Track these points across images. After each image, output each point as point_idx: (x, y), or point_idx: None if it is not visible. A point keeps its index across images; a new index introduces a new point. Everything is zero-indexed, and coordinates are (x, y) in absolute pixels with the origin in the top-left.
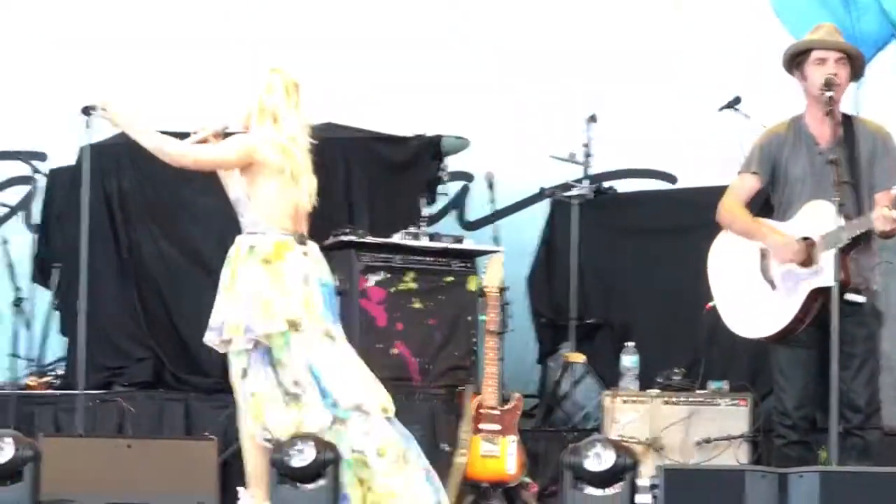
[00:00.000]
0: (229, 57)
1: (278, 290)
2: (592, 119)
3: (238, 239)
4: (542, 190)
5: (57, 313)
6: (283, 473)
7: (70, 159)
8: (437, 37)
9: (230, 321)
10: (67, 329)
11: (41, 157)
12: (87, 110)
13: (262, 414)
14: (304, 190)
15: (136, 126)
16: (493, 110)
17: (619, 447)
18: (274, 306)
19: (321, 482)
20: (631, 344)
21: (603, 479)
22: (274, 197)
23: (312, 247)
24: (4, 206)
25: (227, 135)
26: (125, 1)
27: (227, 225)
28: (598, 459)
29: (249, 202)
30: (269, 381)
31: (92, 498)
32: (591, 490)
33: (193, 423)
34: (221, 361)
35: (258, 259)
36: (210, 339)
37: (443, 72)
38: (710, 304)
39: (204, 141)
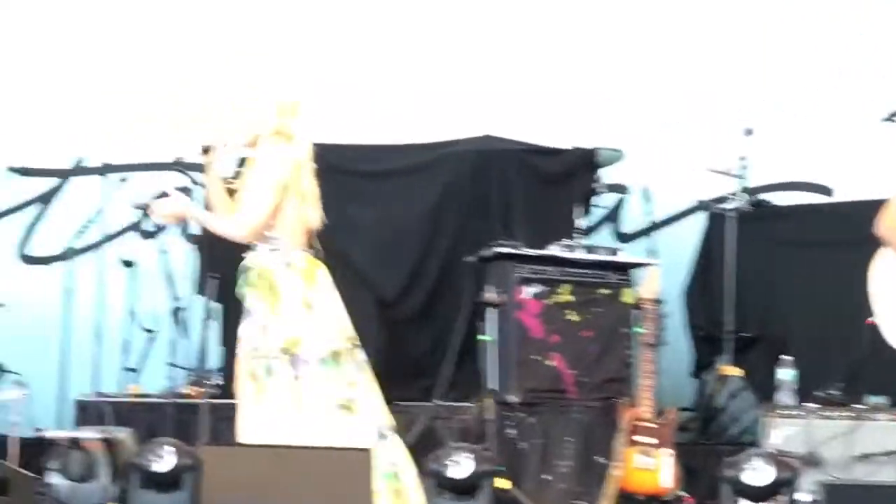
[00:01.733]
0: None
1: (333, 306)
2: (749, 132)
3: (262, 255)
4: (699, 202)
5: (215, 323)
6: (442, 485)
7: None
8: (594, 48)
9: (299, 333)
10: (226, 339)
11: (198, 168)
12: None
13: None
14: (314, 208)
15: (192, 213)
16: (649, 122)
17: (778, 461)
18: (340, 321)
19: (477, 493)
20: (788, 357)
21: (761, 494)
22: (292, 217)
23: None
24: None
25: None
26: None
27: (379, 236)
28: (757, 473)
29: (271, 221)
30: (323, 391)
31: None
32: None
33: None
34: (378, 372)
35: (298, 274)
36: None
37: (599, 84)
38: (871, 319)
39: (207, 151)
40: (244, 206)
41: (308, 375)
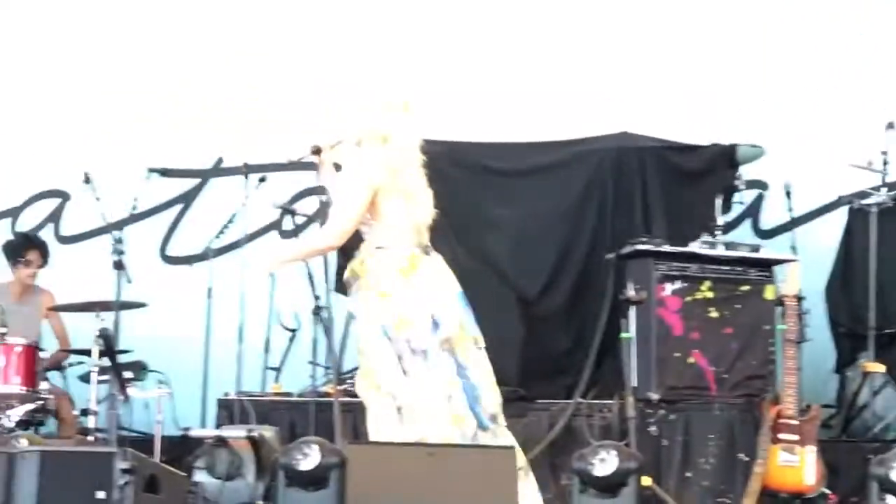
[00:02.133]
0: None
1: (431, 301)
2: (890, 126)
3: (365, 251)
4: (840, 198)
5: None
6: (586, 483)
7: None
8: (734, 46)
9: (398, 324)
10: None
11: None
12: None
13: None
14: (422, 205)
15: (284, 257)
16: (789, 118)
17: None
18: (437, 317)
19: (621, 491)
20: None
21: None
22: (395, 215)
23: (437, 256)
24: (303, 215)
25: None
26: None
27: (520, 233)
28: None
29: (372, 221)
30: (428, 385)
31: None
32: None
33: None
34: (519, 370)
35: (395, 271)
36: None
37: (737, 80)
38: None
39: (318, 152)
40: (332, 215)
41: (413, 368)
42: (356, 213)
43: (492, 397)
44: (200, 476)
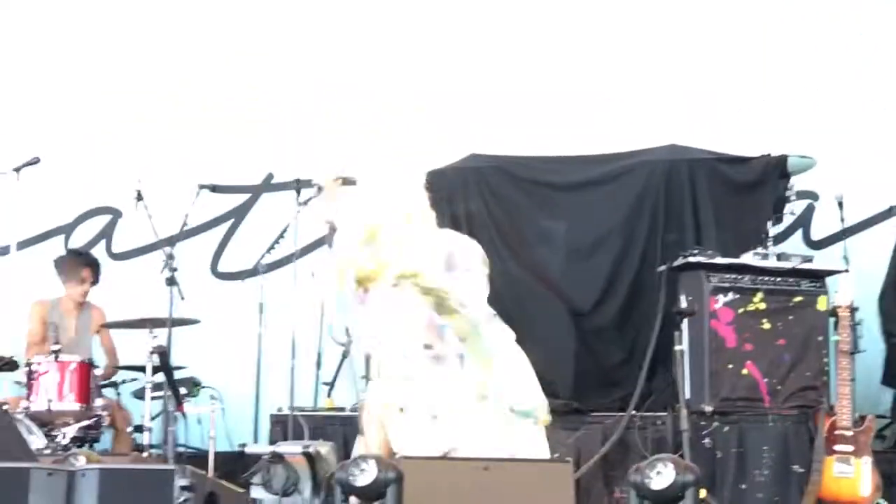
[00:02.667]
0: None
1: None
2: None
3: None
4: (891, 208)
5: None
6: (642, 496)
7: None
8: (783, 57)
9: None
10: None
11: None
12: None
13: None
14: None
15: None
16: (839, 129)
17: None
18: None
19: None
20: None
21: None
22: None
23: None
24: None
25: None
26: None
27: (572, 247)
28: None
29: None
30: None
31: None
32: None
33: None
34: (572, 383)
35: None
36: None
37: (787, 90)
38: None
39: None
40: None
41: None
42: (355, 248)
43: (521, 393)
44: (257, 492)
